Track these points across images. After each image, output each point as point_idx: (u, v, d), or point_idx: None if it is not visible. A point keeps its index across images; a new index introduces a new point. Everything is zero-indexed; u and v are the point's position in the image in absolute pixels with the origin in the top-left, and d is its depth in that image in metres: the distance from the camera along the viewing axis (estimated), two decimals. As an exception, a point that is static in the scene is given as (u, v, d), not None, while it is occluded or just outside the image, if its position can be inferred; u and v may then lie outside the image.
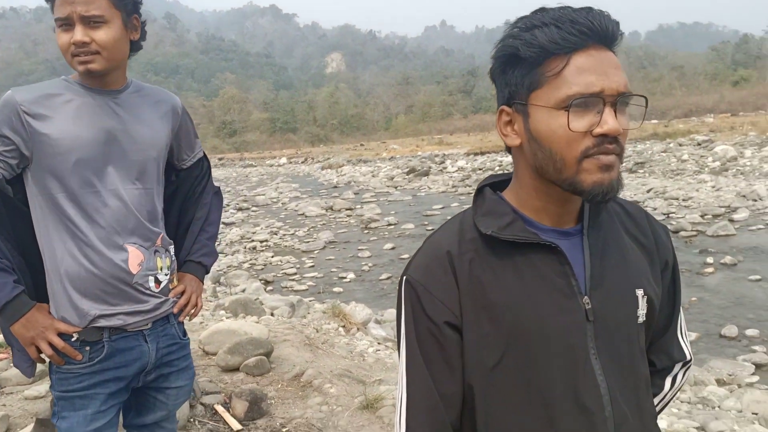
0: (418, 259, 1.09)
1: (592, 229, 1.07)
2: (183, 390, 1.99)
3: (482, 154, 28.89)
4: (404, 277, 1.08)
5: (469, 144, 35.16)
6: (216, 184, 2.19)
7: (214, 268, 10.36)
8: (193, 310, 1.98)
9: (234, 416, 3.51)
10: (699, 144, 21.38)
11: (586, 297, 1.02)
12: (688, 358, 1.21)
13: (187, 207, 2.07)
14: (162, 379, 1.91)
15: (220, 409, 3.56)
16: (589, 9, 0.98)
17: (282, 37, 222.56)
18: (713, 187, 15.28)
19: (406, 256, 11.70)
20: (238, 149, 69.16)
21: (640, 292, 1.07)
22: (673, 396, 1.23)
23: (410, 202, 19.14)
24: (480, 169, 24.47)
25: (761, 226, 11.18)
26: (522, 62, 0.99)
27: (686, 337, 1.21)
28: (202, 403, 3.59)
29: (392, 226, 15.11)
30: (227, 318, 5.87)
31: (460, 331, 1.03)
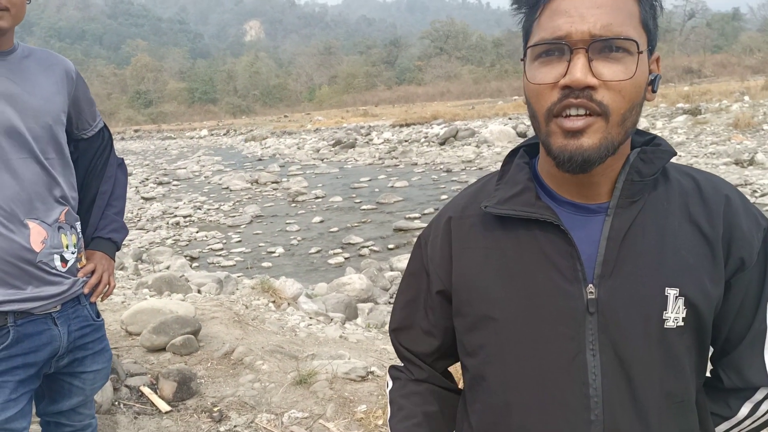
0: (436, 215, 1.09)
1: (621, 209, 0.91)
2: (100, 374, 1.89)
3: (408, 125, 28.96)
4: (422, 232, 1.11)
5: (395, 115, 35.19)
6: (119, 156, 2.07)
7: (136, 244, 9.92)
8: (105, 290, 1.87)
9: (162, 398, 3.38)
10: (613, 115, 22.29)
11: (591, 285, 0.90)
12: None
13: (89, 181, 1.94)
14: (77, 363, 1.80)
15: (146, 390, 3.42)
16: None
17: (196, 3, 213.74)
18: (627, 156, 16.02)
19: (335, 229, 11.64)
20: (155, 120, 66.41)
21: (672, 292, 0.89)
22: (755, 426, 1.02)
23: (337, 175, 19.02)
24: (406, 141, 24.55)
25: (671, 193, 11.84)
26: (527, 9, 0.91)
27: None
28: (126, 386, 3.44)
29: (320, 199, 14.97)
30: (151, 296, 5.65)
31: (450, 296, 1.03)
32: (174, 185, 19.55)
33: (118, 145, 38.03)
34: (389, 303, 6.98)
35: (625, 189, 0.91)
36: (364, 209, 13.28)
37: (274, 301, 5.82)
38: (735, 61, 47.30)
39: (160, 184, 19.90)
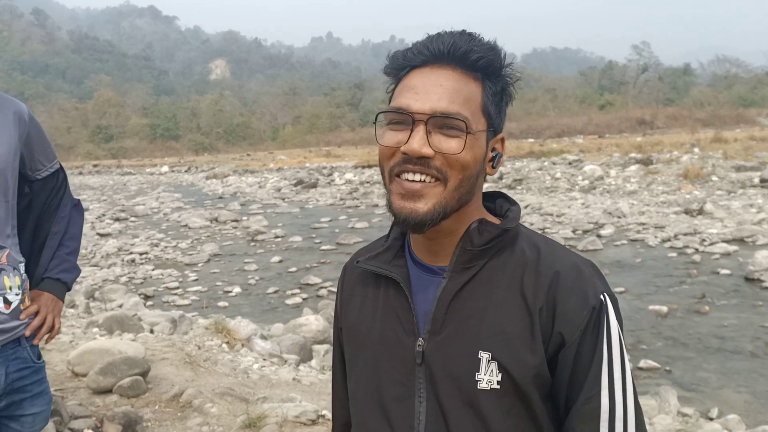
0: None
1: (456, 273, 1.00)
2: (39, 417, 1.85)
3: (370, 167, 29.18)
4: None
5: (357, 157, 35.46)
6: (76, 196, 2.07)
7: (89, 282, 9.60)
8: (49, 332, 1.85)
9: (106, 442, 3.28)
10: (570, 163, 22.91)
11: (420, 339, 1.00)
12: None
13: (42, 221, 1.94)
14: (15, 406, 1.76)
15: (90, 435, 3.32)
16: (455, 32, 0.98)
17: (162, 40, 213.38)
18: (583, 204, 16.41)
19: (293, 269, 11.57)
20: (115, 156, 65.43)
21: (485, 355, 0.95)
22: None
23: (298, 215, 18.98)
24: (368, 182, 24.72)
25: (624, 242, 12.14)
26: (393, 80, 1.03)
27: None
28: (70, 429, 3.34)
29: (280, 239, 14.88)
30: (101, 336, 5.50)
31: None
32: (131, 222, 19.20)
33: (76, 180, 37.27)
34: (346, 345, 6.92)
35: (460, 256, 1.00)
36: (323, 249, 13.25)
37: (227, 342, 5.72)
38: (686, 114, 49.38)
39: (117, 220, 19.52)
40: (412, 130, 0.93)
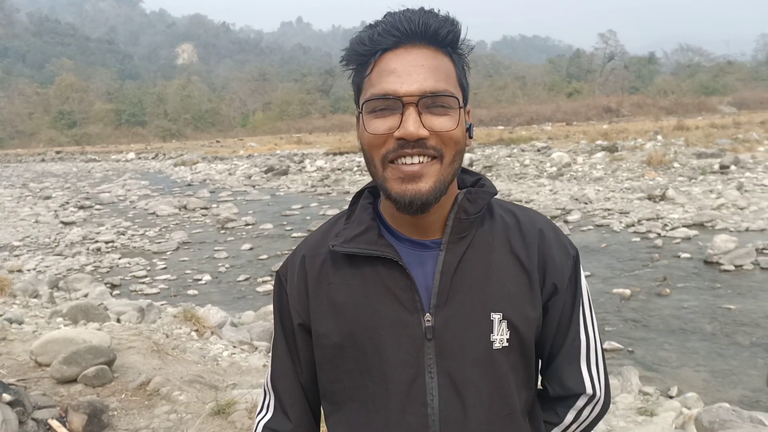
0: (291, 253, 1.14)
1: (453, 244, 1.01)
2: None
3: (341, 154, 29.13)
4: (279, 268, 1.14)
5: (328, 144, 35.33)
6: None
7: (53, 271, 9.39)
8: None
9: (71, 431, 3.25)
10: (539, 150, 23.15)
11: (428, 314, 0.99)
12: (590, 391, 1.09)
13: None
14: None
15: (54, 424, 3.29)
16: (415, 10, 0.96)
17: (126, 23, 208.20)
18: (551, 190, 16.63)
19: (264, 256, 11.52)
20: (78, 142, 63.97)
21: (496, 316, 1.00)
22: (580, 430, 1.13)
23: (269, 202, 18.86)
24: (339, 169, 24.67)
25: (590, 227, 12.35)
26: (356, 66, 1.00)
27: (597, 371, 1.10)
28: (33, 419, 3.30)
29: (250, 226, 14.78)
30: (65, 325, 5.42)
31: (309, 329, 1.08)
32: (96, 210, 18.84)
33: (38, 167, 36.38)
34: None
35: (455, 226, 1.02)
36: (294, 237, 13.20)
37: (197, 330, 5.70)
38: (650, 102, 50.25)
39: (82, 208, 19.14)
40: (402, 114, 0.92)
